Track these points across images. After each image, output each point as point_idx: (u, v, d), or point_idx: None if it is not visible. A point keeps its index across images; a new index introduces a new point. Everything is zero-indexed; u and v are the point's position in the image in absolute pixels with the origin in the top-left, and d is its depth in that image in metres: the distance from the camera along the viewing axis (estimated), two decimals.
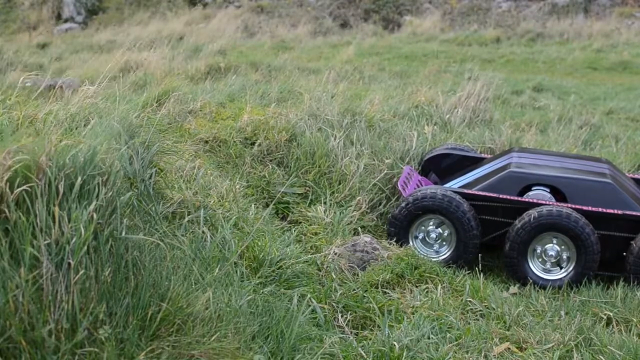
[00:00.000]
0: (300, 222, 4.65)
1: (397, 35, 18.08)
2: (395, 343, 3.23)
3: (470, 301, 3.86)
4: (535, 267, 4.52)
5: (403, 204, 4.67)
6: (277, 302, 3.33)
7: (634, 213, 4.56)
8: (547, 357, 3.32)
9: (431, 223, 4.66)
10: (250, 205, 4.28)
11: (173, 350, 2.56)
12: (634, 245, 4.41)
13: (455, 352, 3.29)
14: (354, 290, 3.84)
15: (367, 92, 7.88)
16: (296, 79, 7.91)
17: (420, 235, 4.70)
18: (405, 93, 7.91)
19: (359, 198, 5.01)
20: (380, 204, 5.18)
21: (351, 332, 3.48)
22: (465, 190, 4.77)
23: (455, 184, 5.14)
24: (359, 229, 4.78)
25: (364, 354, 3.18)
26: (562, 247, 4.48)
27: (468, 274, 4.26)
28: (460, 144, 5.96)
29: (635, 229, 4.52)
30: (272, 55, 12.76)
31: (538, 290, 4.32)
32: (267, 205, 4.40)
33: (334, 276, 3.95)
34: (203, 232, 3.59)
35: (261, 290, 3.40)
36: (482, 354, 3.32)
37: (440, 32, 18.12)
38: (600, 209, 4.57)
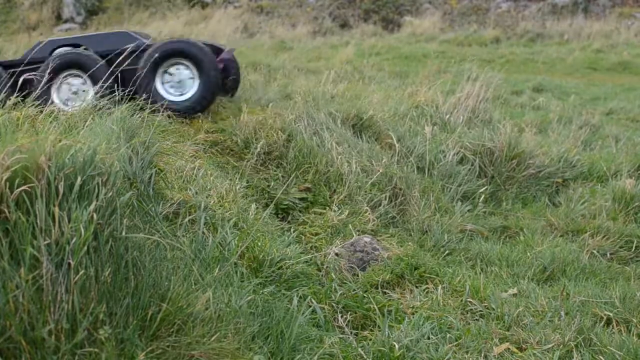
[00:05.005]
0: (300, 222, 4.65)
1: (397, 36, 18.09)
2: (395, 343, 3.22)
3: (470, 301, 3.85)
4: (58, 96, 5.75)
5: None
6: (277, 302, 3.32)
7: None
8: (547, 357, 3.31)
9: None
10: (250, 206, 4.28)
11: (173, 350, 2.56)
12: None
13: (455, 353, 3.28)
14: (353, 290, 3.84)
15: (367, 92, 7.87)
16: (295, 79, 7.91)
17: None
18: (405, 93, 7.91)
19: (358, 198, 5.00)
20: (380, 204, 5.18)
21: (351, 333, 3.47)
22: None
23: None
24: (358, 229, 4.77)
25: (363, 354, 3.18)
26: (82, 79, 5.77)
27: (468, 274, 4.26)
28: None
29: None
30: (272, 56, 12.76)
31: None
32: (267, 206, 4.40)
33: (334, 276, 3.95)
34: (203, 232, 3.58)
35: (261, 291, 3.40)
36: (482, 354, 3.32)
37: (440, 32, 18.14)
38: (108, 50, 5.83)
